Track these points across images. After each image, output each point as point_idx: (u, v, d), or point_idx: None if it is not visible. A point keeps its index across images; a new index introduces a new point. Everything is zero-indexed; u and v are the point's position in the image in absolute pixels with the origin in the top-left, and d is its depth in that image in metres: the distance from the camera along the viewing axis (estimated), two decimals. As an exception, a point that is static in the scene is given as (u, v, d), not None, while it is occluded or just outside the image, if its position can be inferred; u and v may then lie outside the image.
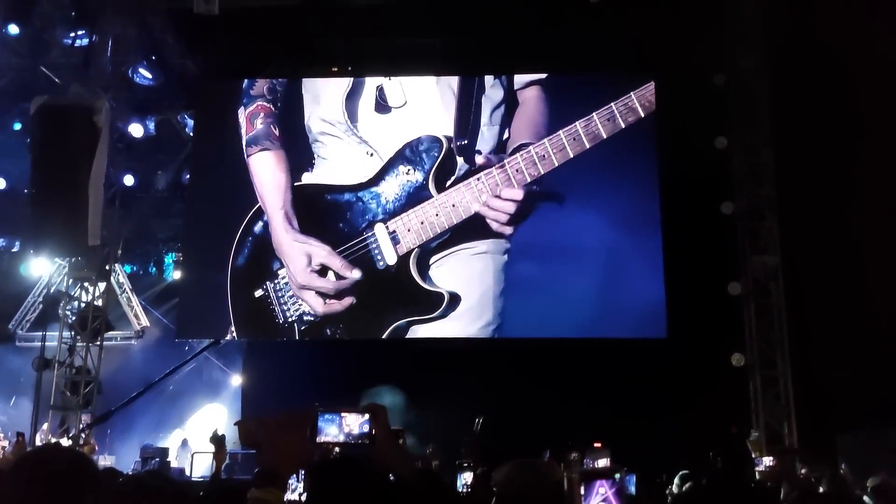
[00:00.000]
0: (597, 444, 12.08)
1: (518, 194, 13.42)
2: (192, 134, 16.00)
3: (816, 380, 13.32)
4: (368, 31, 14.54)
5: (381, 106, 14.24)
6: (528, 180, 13.45)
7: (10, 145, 16.18)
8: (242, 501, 2.26)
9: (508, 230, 13.63)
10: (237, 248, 14.24)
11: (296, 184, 14.23)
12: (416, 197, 13.80)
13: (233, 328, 14.28)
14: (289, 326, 14.04)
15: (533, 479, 3.36)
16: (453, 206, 13.59)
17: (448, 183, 13.75)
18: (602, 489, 3.52)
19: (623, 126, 13.26)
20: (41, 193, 13.04)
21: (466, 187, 13.61)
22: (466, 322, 13.78)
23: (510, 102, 14.17)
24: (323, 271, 13.87)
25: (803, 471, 10.78)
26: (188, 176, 15.97)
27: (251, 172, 14.37)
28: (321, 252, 13.86)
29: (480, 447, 11.81)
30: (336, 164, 14.29)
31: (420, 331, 13.86)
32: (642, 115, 13.36)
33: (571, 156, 13.23)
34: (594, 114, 13.28)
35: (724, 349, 13.67)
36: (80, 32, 14.69)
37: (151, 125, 15.74)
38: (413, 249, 13.72)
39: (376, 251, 13.81)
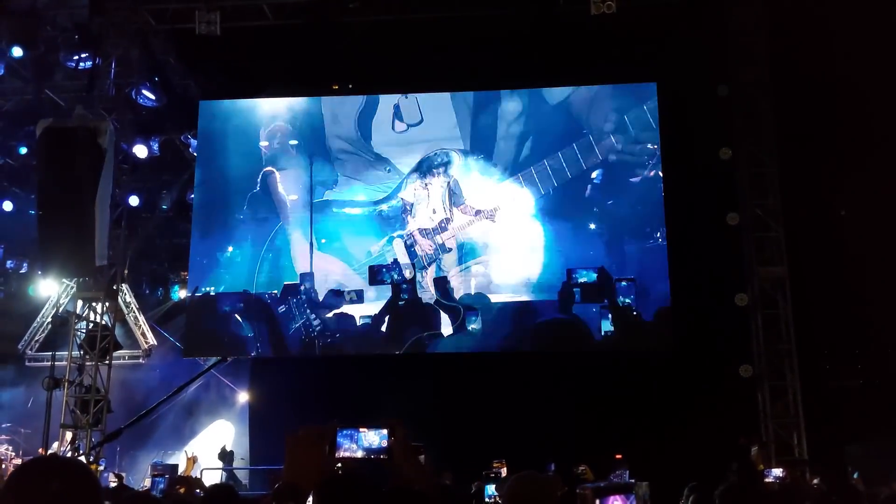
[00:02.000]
0: (618, 456, 12.09)
1: None
2: (195, 154, 16.04)
3: (825, 390, 13.29)
4: (369, 50, 14.60)
5: (399, 123, 14.37)
6: (542, 193, 13.65)
7: (17, 169, 16.25)
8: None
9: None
10: (260, 265, 14.38)
11: (315, 200, 14.33)
12: (432, 211, 13.88)
13: (258, 345, 14.40)
14: (310, 342, 14.15)
15: (534, 492, 3.36)
16: (469, 221, 13.73)
17: (464, 197, 13.87)
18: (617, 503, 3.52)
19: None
20: (48, 215, 13.06)
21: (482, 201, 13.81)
22: (481, 336, 13.82)
23: (528, 115, 14.25)
24: (340, 288, 14.02)
25: (814, 481, 10.76)
26: (192, 195, 16.00)
27: (270, 191, 14.50)
28: (337, 269, 14.00)
29: None
30: (356, 181, 14.41)
31: (437, 345, 13.93)
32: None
33: (585, 168, 13.58)
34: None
35: (732, 360, 13.61)
36: (83, 55, 14.73)
37: (155, 146, 15.77)
38: (430, 264, 13.80)
39: (394, 266, 13.88)
